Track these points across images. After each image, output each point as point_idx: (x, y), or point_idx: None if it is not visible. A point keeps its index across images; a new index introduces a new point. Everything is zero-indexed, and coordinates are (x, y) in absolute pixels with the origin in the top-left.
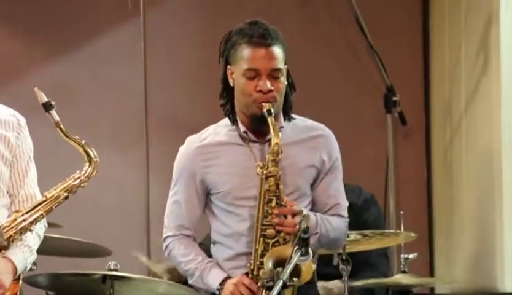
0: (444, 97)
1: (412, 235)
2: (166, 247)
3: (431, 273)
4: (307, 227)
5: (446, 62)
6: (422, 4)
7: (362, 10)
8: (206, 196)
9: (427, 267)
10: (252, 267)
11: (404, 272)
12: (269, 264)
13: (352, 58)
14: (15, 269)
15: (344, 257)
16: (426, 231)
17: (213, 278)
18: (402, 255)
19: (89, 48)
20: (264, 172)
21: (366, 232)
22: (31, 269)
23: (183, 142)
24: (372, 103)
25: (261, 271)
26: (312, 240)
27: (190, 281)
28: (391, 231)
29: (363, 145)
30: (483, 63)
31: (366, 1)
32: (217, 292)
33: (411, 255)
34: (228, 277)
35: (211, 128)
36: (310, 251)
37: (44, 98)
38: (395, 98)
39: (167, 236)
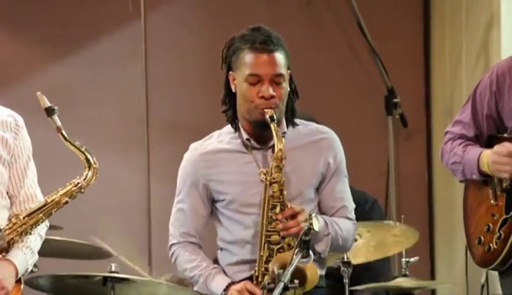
0: (445, 99)
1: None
2: (172, 254)
3: (432, 276)
4: (309, 229)
5: (446, 64)
6: (423, 6)
7: (363, 12)
8: (211, 203)
9: (428, 269)
10: (256, 273)
11: (405, 276)
12: (275, 270)
13: (353, 60)
14: (17, 272)
15: (345, 260)
16: (427, 233)
17: (217, 284)
18: (403, 259)
19: (90, 51)
20: (268, 178)
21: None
22: (32, 271)
23: (184, 145)
24: (373, 105)
25: (265, 278)
26: (324, 243)
27: (195, 288)
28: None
29: (364, 148)
30: (484, 65)
31: (367, 3)
32: None
33: (411, 259)
34: (232, 283)
35: (215, 135)
36: (311, 253)
37: (47, 103)
38: (395, 100)
39: (172, 244)
